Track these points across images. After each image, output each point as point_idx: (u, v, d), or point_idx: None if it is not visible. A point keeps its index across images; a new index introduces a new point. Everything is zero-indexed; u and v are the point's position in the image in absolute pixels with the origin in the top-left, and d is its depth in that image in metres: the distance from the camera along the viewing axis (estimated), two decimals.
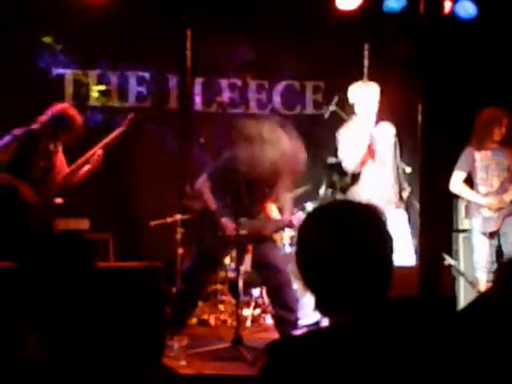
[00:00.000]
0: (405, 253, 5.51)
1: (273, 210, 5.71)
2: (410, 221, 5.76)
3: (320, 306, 1.74)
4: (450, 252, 6.47)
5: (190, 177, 6.29)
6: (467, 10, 6.91)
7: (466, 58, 6.90)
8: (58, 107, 5.43)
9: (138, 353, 4.20)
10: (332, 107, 5.86)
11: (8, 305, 3.91)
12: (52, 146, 5.44)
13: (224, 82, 7.69)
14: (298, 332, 5.37)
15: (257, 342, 5.32)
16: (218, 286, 6.70)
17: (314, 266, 1.71)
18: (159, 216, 6.70)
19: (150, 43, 7.23)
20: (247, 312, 6.51)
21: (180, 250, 6.63)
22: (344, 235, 1.70)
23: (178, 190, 6.99)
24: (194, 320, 6.32)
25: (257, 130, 5.42)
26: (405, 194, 5.71)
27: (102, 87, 7.32)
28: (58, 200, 5.47)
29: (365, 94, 5.65)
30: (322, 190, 6.42)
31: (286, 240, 6.63)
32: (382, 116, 5.73)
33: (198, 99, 7.63)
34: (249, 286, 6.62)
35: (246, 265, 6.15)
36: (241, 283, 5.83)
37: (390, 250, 1.73)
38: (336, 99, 5.88)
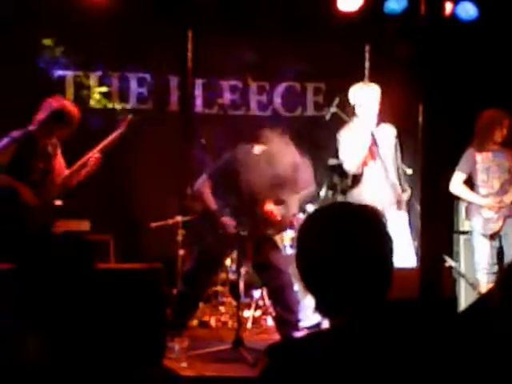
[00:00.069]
0: (405, 254, 5.51)
1: (273, 211, 5.71)
2: (410, 222, 5.76)
3: (320, 308, 1.74)
4: (451, 253, 6.47)
5: (190, 178, 6.29)
6: (468, 11, 6.92)
7: (467, 59, 6.90)
8: (54, 103, 5.39)
9: (138, 354, 4.20)
10: (333, 109, 5.85)
11: (8, 306, 3.91)
12: (51, 148, 5.44)
13: (225, 84, 7.69)
14: (298, 334, 5.37)
15: (257, 344, 5.32)
16: (219, 288, 6.70)
17: (313, 268, 1.71)
18: (160, 217, 6.70)
19: (151, 44, 7.23)
20: (248, 313, 6.51)
21: (181, 252, 6.63)
22: (344, 237, 1.70)
23: (178, 191, 6.99)
24: (194, 322, 6.32)
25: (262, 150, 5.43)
26: (405, 196, 5.71)
27: (104, 89, 7.32)
28: (58, 202, 5.47)
29: (366, 96, 5.65)
30: (322, 192, 6.42)
31: (286, 241, 6.63)
32: (382, 117, 5.73)
33: (198, 101, 7.63)
34: (250, 287, 6.62)
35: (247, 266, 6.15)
36: (241, 285, 5.84)
37: (390, 252, 1.73)
38: (337, 101, 5.87)
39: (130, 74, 7.49)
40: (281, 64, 7.50)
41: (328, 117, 5.92)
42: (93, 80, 7.36)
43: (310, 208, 6.25)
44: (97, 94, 7.30)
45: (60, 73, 7.24)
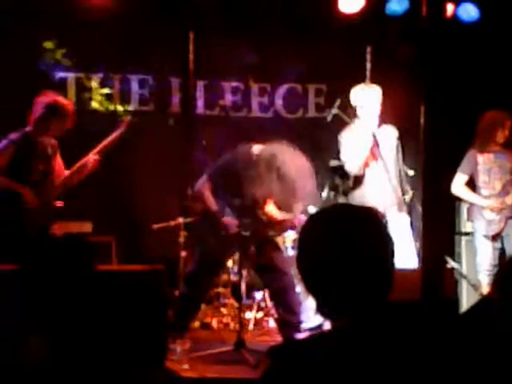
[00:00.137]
0: (407, 256, 5.51)
1: (274, 211, 5.71)
2: (412, 223, 5.76)
3: (322, 310, 1.74)
4: (453, 255, 6.46)
5: (192, 180, 6.29)
6: (469, 12, 6.91)
7: (469, 60, 6.90)
8: (46, 99, 5.38)
9: (140, 356, 4.20)
10: (334, 110, 5.86)
11: (10, 307, 3.91)
12: (50, 149, 5.44)
13: (226, 85, 7.69)
14: (300, 335, 5.37)
15: (259, 345, 5.32)
16: (221, 289, 6.70)
17: (315, 270, 1.72)
18: (162, 219, 6.71)
19: (152, 46, 7.23)
20: (250, 315, 6.51)
21: (183, 253, 6.63)
22: (345, 238, 1.70)
23: (180, 192, 6.99)
24: (196, 323, 6.31)
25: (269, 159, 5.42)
26: (407, 197, 5.71)
27: (107, 91, 7.33)
28: (59, 203, 5.48)
29: (367, 97, 5.65)
30: (324, 193, 6.42)
31: (288, 243, 6.62)
32: (384, 119, 5.73)
33: (200, 102, 7.63)
34: (251, 289, 6.62)
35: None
36: (243, 286, 5.84)
37: (391, 253, 1.73)
38: (338, 102, 5.87)
39: (131, 75, 7.50)
40: (282, 65, 7.50)
41: (329, 118, 5.92)
42: (94, 82, 7.36)
43: (312, 209, 6.25)
44: (99, 96, 7.30)
45: (61, 74, 7.24)
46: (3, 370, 3.50)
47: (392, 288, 1.72)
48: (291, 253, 6.53)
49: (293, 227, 6.21)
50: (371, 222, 1.75)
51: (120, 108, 7.33)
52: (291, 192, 5.38)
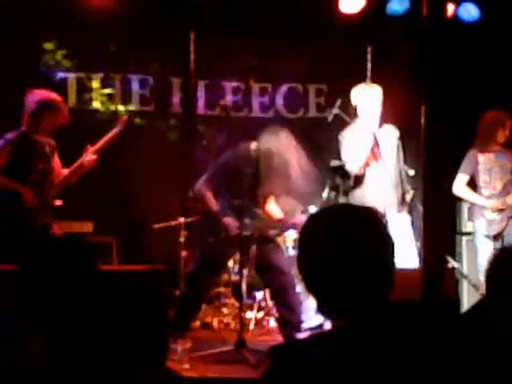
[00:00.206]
0: (408, 255, 5.50)
1: (275, 211, 5.71)
2: (413, 223, 5.76)
3: (322, 309, 1.74)
4: (454, 254, 6.46)
5: (192, 180, 6.30)
6: (470, 12, 6.91)
7: (469, 60, 6.90)
8: (36, 96, 5.37)
9: (141, 356, 4.20)
10: (335, 110, 5.86)
11: (10, 307, 3.91)
12: (48, 149, 5.44)
13: (227, 85, 7.70)
14: (301, 335, 5.37)
15: (260, 345, 5.31)
16: (222, 289, 6.70)
17: (315, 269, 1.72)
18: (162, 219, 6.71)
19: (153, 46, 7.24)
20: (250, 315, 6.51)
21: (183, 253, 6.63)
22: (345, 238, 1.70)
23: (181, 192, 6.99)
24: (197, 323, 6.32)
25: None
26: (408, 197, 5.71)
27: (108, 91, 7.33)
28: (58, 202, 5.48)
29: (368, 97, 5.65)
30: (325, 193, 6.42)
31: (289, 243, 6.63)
32: (385, 118, 5.73)
33: (201, 102, 7.63)
34: (252, 288, 6.61)
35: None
36: (244, 286, 5.84)
37: (391, 253, 1.73)
38: (339, 102, 5.88)
39: (132, 75, 7.50)
40: (283, 65, 7.50)
41: (330, 118, 5.92)
42: (95, 82, 7.36)
43: (312, 209, 6.25)
44: (101, 96, 7.31)
45: (62, 75, 7.25)
46: (3, 370, 3.49)
47: (392, 288, 1.72)
48: (292, 253, 6.53)
49: (293, 227, 6.21)
50: (371, 222, 1.75)
51: (121, 108, 7.34)
52: (287, 181, 5.39)
